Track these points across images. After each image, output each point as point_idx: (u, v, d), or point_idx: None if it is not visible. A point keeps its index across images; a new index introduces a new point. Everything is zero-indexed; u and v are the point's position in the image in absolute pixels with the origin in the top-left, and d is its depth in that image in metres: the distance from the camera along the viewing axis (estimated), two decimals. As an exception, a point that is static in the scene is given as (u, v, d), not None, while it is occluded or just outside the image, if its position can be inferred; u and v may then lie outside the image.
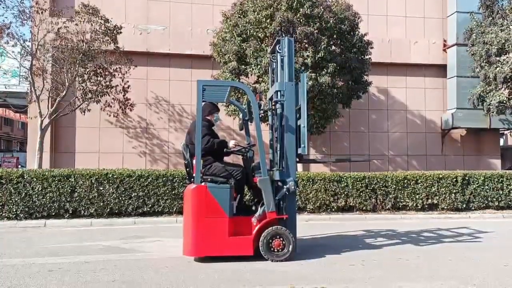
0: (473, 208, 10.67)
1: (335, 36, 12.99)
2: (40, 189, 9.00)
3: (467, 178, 10.69)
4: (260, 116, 5.83)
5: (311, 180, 9.97)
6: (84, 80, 12.88)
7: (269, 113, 6.21)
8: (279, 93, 5.66)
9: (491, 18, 14.42)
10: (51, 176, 9.09)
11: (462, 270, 4.90)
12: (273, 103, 5.88)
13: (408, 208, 10.43)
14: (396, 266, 5.11)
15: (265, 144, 5.76)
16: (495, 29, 13.85)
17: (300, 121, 5.61)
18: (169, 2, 16.26)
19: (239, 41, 12.63)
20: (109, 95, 13.24)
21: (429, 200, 10.46)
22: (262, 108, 6.31)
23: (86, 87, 12.91)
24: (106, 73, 13.11)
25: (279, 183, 5.50)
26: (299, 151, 5.61)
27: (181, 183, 9.39)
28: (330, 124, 14.50)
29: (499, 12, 14.26)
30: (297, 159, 5.72)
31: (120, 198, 9.28)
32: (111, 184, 9.26)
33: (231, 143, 5.80)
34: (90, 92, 12.91)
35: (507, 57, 13.64)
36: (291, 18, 11.84)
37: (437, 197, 10.48)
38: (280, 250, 5.26)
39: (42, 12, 12.36)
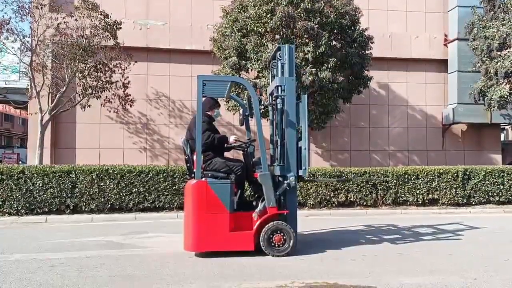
0: (473, 203, 10.67)
1: (335, 31, 12.92)
2: (41, 185, 9.01)
3: (467, 173, 10.69)
4: (261, 111, 5.82)
5: (311, 175, 9.96)
6: (84, 75, 12.84)
7: (270, 108, 6.19)
8: (279, 88, 5.64)
9: (492, 12, 14.33)
10: (52, 172, 9.10)
11: (462, 265, 4.90)
12: (273, 98, 5.86)
13: (408, 203, 10.44)
14: (397, 261, 5.12)
15: (266, 140, 5.75)
16: (496, 23, 13.78)
17: (301, 143, 5.59)
18: (169, -3, 16.20)
19: (239, 36, 12.58)
20: (109, 90, 13.21)
21: (430, 195, 10.47)
22: (262, 103, 6.31)
23: (86, 83, 12.89)
24: (106, 68, 13.07)
25: (280, 178, 5.50)
26: (300, 173, 5.60)
27: (182, 178, 9.40)
28: (330, 120, 14.47)
29: (501, 6, 14.17)
30: (298, 180, 5.72)
31: (121, 194, 9.30)
32: (111, 180, 9.27)
33: (231, 138, 5.80)
34: (90, 87, 12.89)
35: (508, 51, 13.59)
36: (291, 13, 11.78)
37: (438, 192, 10.49)
38: (281, 245, 5.27)
39: (41, 8, 12.29)
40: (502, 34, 13.33)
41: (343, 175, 10.15)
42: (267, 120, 12.08)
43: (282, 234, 5.28)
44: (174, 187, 9.51)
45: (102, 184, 9.24)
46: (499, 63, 13.39)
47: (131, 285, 4.14)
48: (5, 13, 18.21)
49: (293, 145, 5.53)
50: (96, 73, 12.99)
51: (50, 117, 13.02)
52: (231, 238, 5.19)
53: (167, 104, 16.29)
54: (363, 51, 13.40)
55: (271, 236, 5.26)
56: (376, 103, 17.53)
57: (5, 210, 8.93)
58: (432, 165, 13.39)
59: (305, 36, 12.14)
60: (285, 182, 5.41)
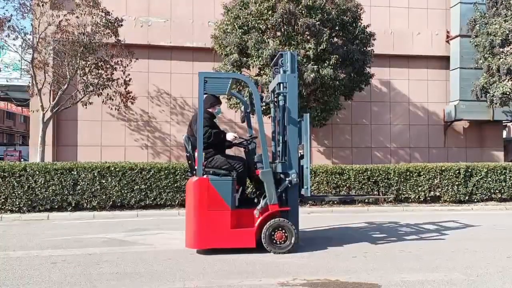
0: (475, 200, 10.66)
1: (337, 28, 12.88)
2: (42, 182, 9.03)
3: (469, 170, 10.67)
4: (262, 108, 5.81)
5: (313, 172, 9.96)
6: (85, 73, 12.84)
7: (272, 105, 6.18)
8: (281, 85, 5.63)
9: (495, 8, 14.25)
10: (54, 169, 9.12)
11: (464, 262, 4.90)
12: (275, 95, 5.85)
13: (410, 200, 10.43)
14: (398, 258, 5.11)
15: (267, 137, 5.73)
16: (499, 19, 13.71)
17: (303, 162, 5.58)
18: (170, -6, 16.16)
19: (240, 33, 12.54)
20: (110, 88, 13.21)
21: (432, 192, 10.46)
22: (264, 100, 6.29)
23: (88, 80, 12.89)
24: (107, 66, 13.06)
25: (281, 176, 5.49)
26: (302, 191, 5.59)
27: (183, 175, 9.41)
28: (332, 117, 14.44)
29: (503, 2, 14.10)
30: (300, 199, 5.71)
31: (123, 191, 9.31)
32: (113, 177, 9.29)
33: (230, 136, 5.73)
34: (91, 85, 12.89)
35: (510, 48, 13.53)
36: (292, 10, 11.74)
37: (440, 189, 10.48)
38: (282, 242, 5.27)
39: (42, 5, 12.27)
40: (504, 31, 13.26)
41: (344, 172, 10.15)
42: (269, 117, 12.05)
43: (283, 231, 5.28)
44: (175, 184, 9.52)
45: (103, 181, 9.26)
46: (501, 60, 13.33)
47: (132, 282, 4.15)
48: (6, 10, 18.21)
49: (294, 142, 5.52)
50: (97, 71, 12.99)
51: (52, 114, 13.04)
52: (232, 235, 5.20)
53: (169, 101, 16.28)
54: (364, 48, 13.36)
55: (272, 233, 5.26)
56: (378, 100, 17.48)
57: (7, 207, 8.96)
58: (434, 162, 13.36)
59: (306, 33, 12.11)
60: (287, 179, 5.40)
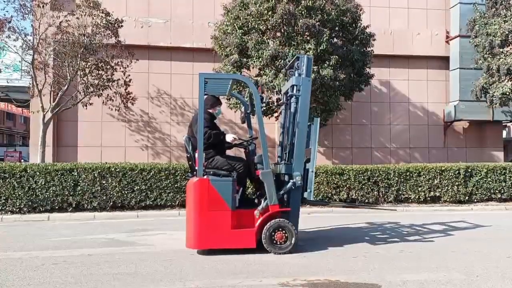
0: (475, 200, 10.67)
1: (337, 28, 12.91)
2: (43, 183, 9.04)
3: (469, 170, 10.68)
4: (262, 109, 5.82)
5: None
6: (85, 74, 12.87)
7: (283, 107, 6.21)
8: (295, 87, 5.67)
9: (494, 9, 14.28)
10: (54, 170, 9.13)
11: (464, 262, 4.90)
12: (287, 97, 5.87)
13: (410, 200, 10.44)
14: (399, 258, 5.12)
15: (268, 137, 5.75)
16: (498, 20, 13.74)
17: (309, 165, 5.60)
18: (170, -5, 16.18)
19: (240, 34, 12.57)
20: (110, 88, 13.23)
21: (432, 193, 10.46)
22: (264, 101, 6.31)
23: (88, 81, 12.91)
24: (108, 66, 13.08)
25: (285, 177, 5.50)
26: (305, 195, 5.61)
27: (184, 176, 9.41)
28: (332, 117, 14.45)
29: (503, 3, 14.12)
30: (302, 202, 5.76)
31: (123, 192, 9.32)
32: (113, 178, 9.29)
33: (230, 137, 5.73)
34: (91, 86, 12.91)
35: (510, 48, 13.56)
36: (292, 10, 11.76)
37: (440, 190, 10.48)
38: (282, 242, 5.28)
39: (43, 6, 12.29)
40: (504, 31, 13.29)
41: (344, 172, 10.15)
42: (269, 118, 12.12)
43: (284, 231, 5.28)
44: (176, 185, 9.53)
45: (104, 182, 9.27)
46: (501, 60, 13.36)
47: (133, 282, 4.15)
48: (7, 11, 18.33)
49: (302, 144, 5.54)
50: (97, 71, 13.01)
51: (52, 115, 13.06)
52: (233, 235, 5.20)
53: (169, 102, 16.30)
54: (364, 48, 13.39)
55: (273, 233, 5.27)
56: (378, 100, 17.50)
57: (7, 208, 8.97)
58: (434, 162, 13.38)
59: (306, 33, 12.13)
60: (291, 181, 5.40)
